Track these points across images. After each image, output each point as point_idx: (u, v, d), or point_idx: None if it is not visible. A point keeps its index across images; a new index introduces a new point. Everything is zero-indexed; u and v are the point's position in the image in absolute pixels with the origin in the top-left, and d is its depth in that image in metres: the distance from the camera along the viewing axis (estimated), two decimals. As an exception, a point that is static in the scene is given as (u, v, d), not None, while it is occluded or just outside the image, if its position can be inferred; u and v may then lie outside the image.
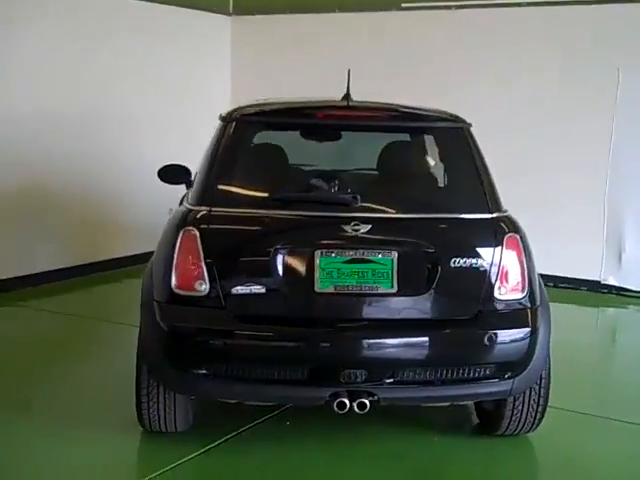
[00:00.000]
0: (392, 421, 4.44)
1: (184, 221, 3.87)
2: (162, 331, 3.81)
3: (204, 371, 3.76)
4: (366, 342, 3.75)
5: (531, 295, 3.94)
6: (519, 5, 7.75)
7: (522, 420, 4.17)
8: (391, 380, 3.76)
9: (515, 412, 4.14)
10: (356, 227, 3.79)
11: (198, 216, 3.87)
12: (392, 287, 3.78)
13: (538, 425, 4.23)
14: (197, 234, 3.79)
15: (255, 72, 9.17)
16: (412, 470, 4.06)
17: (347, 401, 3.72)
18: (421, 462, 4.13)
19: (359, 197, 3.86)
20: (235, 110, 4.20)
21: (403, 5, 8.28)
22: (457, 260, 3.82)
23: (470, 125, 4.24)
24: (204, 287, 3.76)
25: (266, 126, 4.24)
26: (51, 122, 7.21)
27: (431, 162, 4.33)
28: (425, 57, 8.20)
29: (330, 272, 3.77)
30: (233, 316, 3.74)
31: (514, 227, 4.00)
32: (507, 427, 4.22)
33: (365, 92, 8.18)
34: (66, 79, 7.36)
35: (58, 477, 3.91)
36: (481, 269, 3.85)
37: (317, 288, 3.76)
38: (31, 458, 4.06)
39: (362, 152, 4.76)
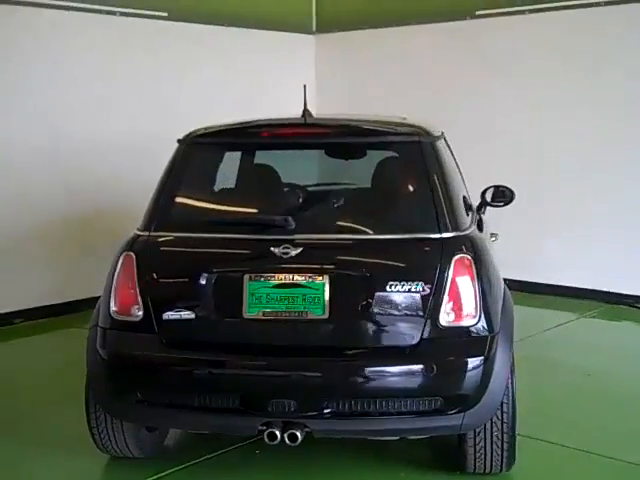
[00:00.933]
0: (363, 454, 4.21)
1: (126, 245, 3.87)
2: (100, 356, 3.80)
3: (138, 397, 3.72)
4: (293, 371, 3.57)
5: (487, 322, 3.61)
6: (597, 5, 7.25)
7: (488, 458, 3.81)
8: (326, 411, 3.55)
9: (478, 449, 3.79)
10: (286, 250, 3.63)
11: (137, 240, 3.86)
12: (323, 313, 3.58)
13: (510, 463, 3.86)
14: (134, 258, 3.78)
15: (340, 89, 9.08)
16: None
17: (278, 432, 3.56)
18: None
19: (291, 219, 3.70)
20: (190, 133, 4.16)
21: (477, 13, 7.96)
22: (394, 284, 3.56)
23: (434, 139, 3.96)
24: (140, 312, 3.73)
25: (216, 148, 4.16)
26: (120, 148, 7.49)
27: (386, 180, 4.06)
28: (510, 63, 7.85)
29: (259, 297, 3.62)
30: (164, 342, 3.68)
31: (468, 247, 3.67)
32: (474, 465, 3.87)
33: (460, 104, 7.94)
34: (153, 104, 7.74)
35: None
36: (423, 294, 3.56)
37: (245, 314, 3.63)
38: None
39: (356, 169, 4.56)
